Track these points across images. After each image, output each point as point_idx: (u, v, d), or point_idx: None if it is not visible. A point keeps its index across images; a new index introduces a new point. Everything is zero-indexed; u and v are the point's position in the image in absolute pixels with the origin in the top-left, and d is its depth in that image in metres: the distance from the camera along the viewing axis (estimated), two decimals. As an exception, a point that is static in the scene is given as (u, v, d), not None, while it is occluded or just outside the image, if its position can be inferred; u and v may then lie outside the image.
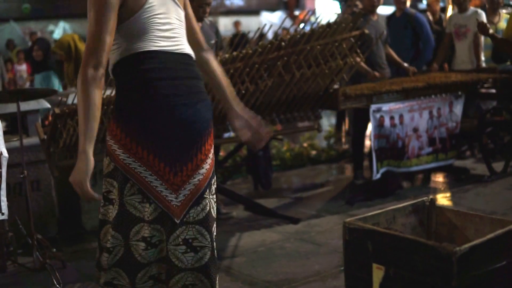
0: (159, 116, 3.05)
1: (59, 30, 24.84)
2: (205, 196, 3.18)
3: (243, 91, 5.42)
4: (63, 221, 6.36)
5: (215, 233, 3.24)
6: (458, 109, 7.04)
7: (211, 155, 3.23)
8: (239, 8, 29.96)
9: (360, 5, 8.84)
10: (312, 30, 5.71)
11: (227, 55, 5.43)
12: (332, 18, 6.24)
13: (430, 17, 9.51)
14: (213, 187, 3.28)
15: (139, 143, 3.06)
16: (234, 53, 5.45)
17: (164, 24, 3.12)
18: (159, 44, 3.08)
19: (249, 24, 30.50)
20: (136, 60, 3.06)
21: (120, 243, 3.08)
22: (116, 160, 3.08)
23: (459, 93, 7.03)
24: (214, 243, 3.22)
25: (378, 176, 6.51)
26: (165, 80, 3.07)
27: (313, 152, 9.13)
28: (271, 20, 28.81)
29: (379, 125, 6.44)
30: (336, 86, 6.13)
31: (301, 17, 25.33)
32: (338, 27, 5.75)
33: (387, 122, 6.49)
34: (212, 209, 3.22)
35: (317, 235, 5.77)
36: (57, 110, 4.98)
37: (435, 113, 6.86)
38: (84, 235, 6.22)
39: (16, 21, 24.07)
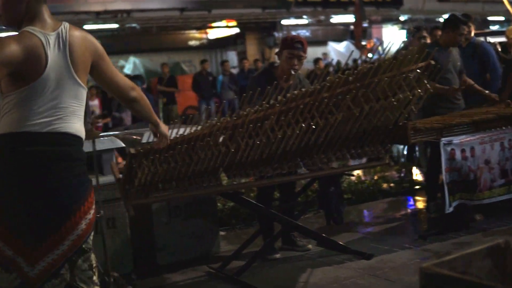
0: (15, 194, 3.24)
1: (130, 65, 25.36)
2: (62, 272, 3.41)
3: (314, 126, 5.44)
4: (138, 257, 6.46)
5: None
6: (530, 140, 6.91)
7: (80, 227, 3.47)
8: (306, 38, 30.09)
9: (428, 37, 8.84)
10: (379, 63, 5.71)
11: (296, 92, 5.47)
12: (399, 47, 6.24)
13: (498, 47, 9.42)
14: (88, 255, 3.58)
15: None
16: (303, 89, 5.49)
17: (48, 103, 3.31)
18: (33, 125, 3.33)
19: (316, 54, 30.61)
20: (7, 139, 3.31)
21: None
22: None
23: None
24: None
25: (451, 209, 6.43)
26: (30, 161, 3.26)
27: (385, 185, 9.08)
28: (338, 50, 28.90)
29: (450, 158, 6.38)
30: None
31: (369, 46, 25.37)
32: (404, 59, 5.74)
33: (458, 155, 6.42)
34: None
35: (390, 271, 5.72)
36: (132, 151, 5.09)
37: (506, 144, 6.74)
38: (158, 271, 6.29)
39: (87, 56, 24.65)
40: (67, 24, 3.50)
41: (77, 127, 3.57)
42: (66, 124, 3.47)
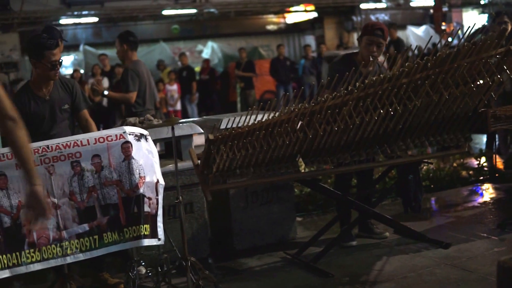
0: None
1: (208, 49, 25.53)
2: None
3: (392, 112, 5.40)
4: (215, 241, 6.55)
5: None
6: None
7: None
8: (385, 22, 29.73)
9: (509, 22, 8.64)
10: (458, 49, 5.61)
11: (374, 78, 5.43)
12: (479, 30, 6.12)
13: None
14: None
15: None
16: (382, 75, 5.44)
17: None
18: None
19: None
20: None
21: None
22: None
23: None
24: None
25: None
26: None
27: (464, 173, 8.94)
28: (417, 34, 28.46)
29: (533, 146, 6.24)
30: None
31: (448, 30, 24.89)
32: (483, 44, 5.63)
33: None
34: None
35: (467, 260, 5.65)
36: (210, 136, 5.15)
37: None
38: (235, 255, 6.36)
39: (165, 42, 24.93)
40: None
41: None
42: None
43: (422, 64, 5.49)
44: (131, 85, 7.60)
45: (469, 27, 5.78)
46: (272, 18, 28.23)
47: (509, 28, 8.66)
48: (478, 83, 5.57)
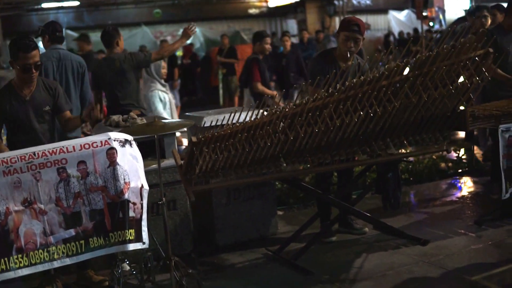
0: None
1: (190, 34, 25.45)
2: None
3: (372, 114, 5.50)
4: (198, 238, 6.65)
5: None
6: None
7: None
8: (367, 7, 29.87)
9: (489, 17, 8.74)
10: (437, 52, 5.71)
11: (355, 80, 5.53)
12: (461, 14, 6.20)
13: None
14: None
15: None
16: (362, 78, 5.54)
17: None
18: None
19: (377, 22, 30.34)
20: None
21: None
22: None
23: None
24: None
25: (508, 195, 6.41)
26: None
27: (443, 165, 9.08)
28: (399, 18, 28.58)
29: (508, 145, 6.35)
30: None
31: (430, 15, 25.00)
32: (463, 47, 5.73)
33: (516, 142, 6.39)
34: None
35: (445, 258, 5.79)
36: (193, 139, 5.24)
37: None
38: (218, 251, 6.48)
39: (147, 26, 24.91)
40: None
41: None
42: None
43: (402, 66, 5.59)
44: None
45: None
46: (254, 2, 28.30)
47: (489, 22, 8.77)
48: (457, 84, 5.68)
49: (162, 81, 9.96)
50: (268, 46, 9.70)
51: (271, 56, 16.03)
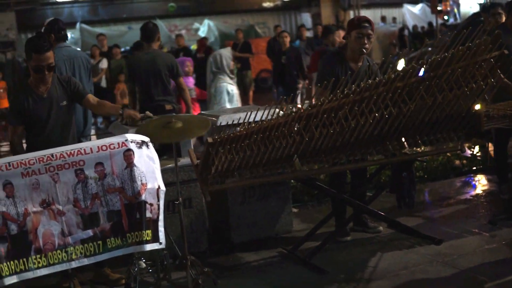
0: None
1: (204, 27, 25.54)
2: None
3: (387, 115, 5.53)
4: (213, 235, 6.71)
5: None
6: None
7: None
8: (382, 1, 29.78)
9: (504, 14, 8.70)
10: (452, 53, 5.72)
11: (370, 81, 5.56)
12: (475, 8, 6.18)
13: None
14: None
15: None
16: (377, 79, 5.57)
17: None
18: None
19: (391, 16, 30.23)
20: None
21: None
22: None
23: None
24: None
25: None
26: None
27: (457, 162, 9.08)
28: (413, 12, 28.48)
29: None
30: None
31: (444, 8, 24.91)
32: (477, 49, 5.74)
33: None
34: None
35: (459, 258, 5.82)
36: (209, 140, 5.29)
37: None
38: (233, 249, 6.54)
39: (161, 19, 24.94)
40: None
41: None
42: None
43: (417, 68, 5.60)
44: None
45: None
46: (269, -5, 28.26)
47: (503, 20, 8.74)
48: (472, 86, 5.69)
49: (231, 75, 10.54)
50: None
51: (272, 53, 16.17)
